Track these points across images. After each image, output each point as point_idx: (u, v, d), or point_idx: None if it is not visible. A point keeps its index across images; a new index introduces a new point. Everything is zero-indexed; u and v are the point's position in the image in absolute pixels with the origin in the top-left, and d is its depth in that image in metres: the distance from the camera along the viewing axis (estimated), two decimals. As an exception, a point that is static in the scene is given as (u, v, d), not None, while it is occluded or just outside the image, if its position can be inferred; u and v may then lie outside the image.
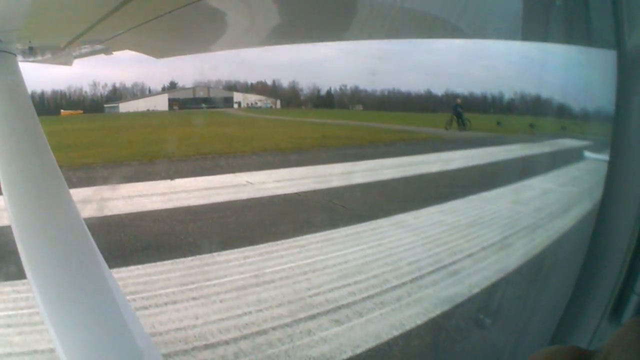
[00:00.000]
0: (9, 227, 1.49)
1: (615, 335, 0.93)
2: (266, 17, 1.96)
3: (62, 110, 60.49)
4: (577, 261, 2.20)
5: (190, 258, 7.64)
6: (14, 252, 1.41)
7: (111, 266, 6.28)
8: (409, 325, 5.58)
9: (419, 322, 5.67)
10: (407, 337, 5.40)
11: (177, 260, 7.56)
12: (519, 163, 15.95)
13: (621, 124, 1.92)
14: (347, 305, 6.07)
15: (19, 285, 6.42)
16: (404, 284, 6.74)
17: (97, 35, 2.04)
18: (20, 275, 6.22)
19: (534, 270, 6.43)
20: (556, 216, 8.65)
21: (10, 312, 5.92)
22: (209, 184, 13.73)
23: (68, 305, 1.32)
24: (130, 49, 2.59)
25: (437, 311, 5.94)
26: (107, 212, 10.39)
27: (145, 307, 6.01)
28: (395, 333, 5.43)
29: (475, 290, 6.45)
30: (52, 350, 5.03)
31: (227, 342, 5.27)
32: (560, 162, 13.38)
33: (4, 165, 1.60)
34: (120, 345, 1.28)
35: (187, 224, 9.86)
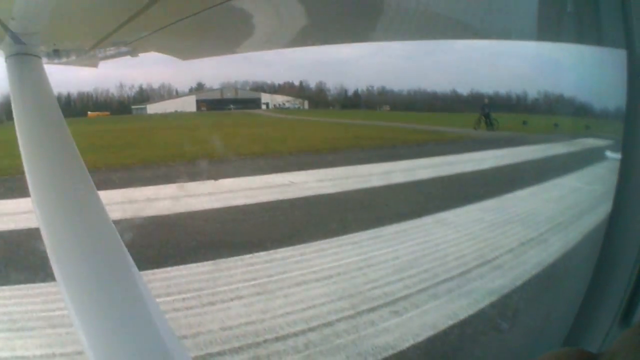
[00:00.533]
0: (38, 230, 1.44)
1: (622, 337, 0.96)
2: (292, 19, 1.94)
3: (89, 112, 61.62)
4: (590, 263, 2.15)
5: (248, 255, 7.84)
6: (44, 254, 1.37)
7: (168, 265, 7.00)
8: (462, 315, 5.75)
9: (470, 312, 5.86)
10: (460, 326, 5.56)
11: (236, 257, 7.77)
12: (546, 162, 16.22)
13: (633, 123, 1.85)
14: (404, 298, 6.26)
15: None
16: (452, 277, 6.92)
17: (122, 37, 2.04)
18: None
19: (553, 272, 7.01)
20: (576, 218, 9.27)
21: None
22: (253, 184, 13.95)
23: (96, 306, 1.28)
24: (155, 50, 2.57)
25: (486, 302, 6.12)
26: (157, 213, 10.68)
27: (213, 303, 6.24)
28: (450, 322, 5.61)
29: (516, 284, 6.68)
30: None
31: (295, 334, 5.45)
32: (584, 162, 13.93)
33: (32, 167, 1.58)
34: (148, 347, 1.25)
35: (239, 223, 10.08)
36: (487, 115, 28.04)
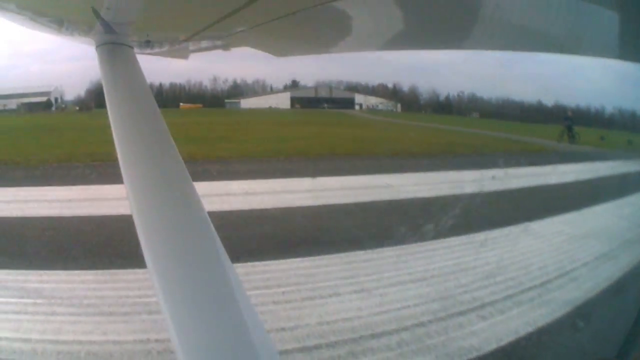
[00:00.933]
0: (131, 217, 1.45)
1: None
2: (389, 22, 1.92)
3: (180, 104, 63.16)
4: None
5: (345, 254, 8.02)
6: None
7: (269, 259, 7.38)
8: (541, 323, 5.91)
9: (548, 320, 6.00)
10: (538, 333, 5.70)
11: (335, 255, 7.98)
12: (623, 179, 16.45)
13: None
14: (490, 304, 6.42)
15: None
16: (534, 286, 7.04)
17: (217, 31, 2.02)
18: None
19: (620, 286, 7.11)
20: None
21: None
22: (349, 184, 14.16)
23: (187, 296, 1.28)
24: (249, 46, 2.55)
25: (562, 312, 6.24)
26: (256, 206, 11.05)
27: (311, 298, 6.49)
28: (529, 329, 5.74)
29: (589, 296, 6.80)
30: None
31: (389, 333, 5.59)
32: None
33: (126, 157, 1.59)
34: (235, 339, 1.23)
35: (338, 221, 10.34)
36: (569, 128, 27.92)
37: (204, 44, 2.44)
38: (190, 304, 1.27)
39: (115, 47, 1.92)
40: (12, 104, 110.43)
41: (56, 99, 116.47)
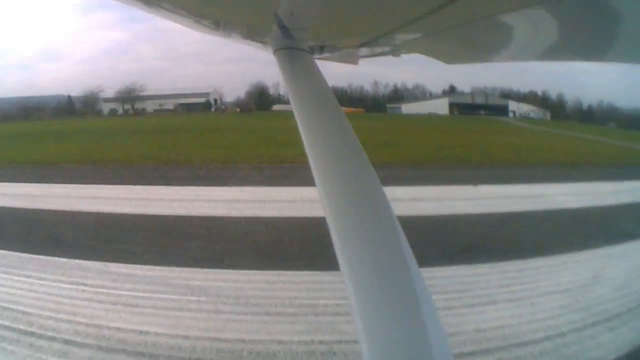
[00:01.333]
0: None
1: None
2: (548, 35, 1.80)
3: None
4: None
5: (502, 263, 8.29)
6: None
7: (429, 265, 7.57)
8: None
9: None
10: None
11: (492, 264, 8.26)
12: None
13: None
14: (620, 315, 6.45)
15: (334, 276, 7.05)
16: None
17: (393, 38, 1.99)
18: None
19: None
20: None
21: (339, 301, 6.55)
22: (507, 193, 14.60)
23: (376, 298, 1.29)
24: (420, 52, 2.50)
25: None
26: (420, 213, 11.45)
27: (471, 305, 6.71)
28: None
29: None
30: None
31: (534, 342, 5.79)
32: None
33: (318, 161, 1.62)
34: (416, 341, 1.23)
35: (497, 230, 10.65)
36: None
37: (377, 49, 2.40)
38: (379, 305, 1.27)
39: (293, 51, 1.95)
40: (170, 104, 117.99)
41: (215, 100, 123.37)
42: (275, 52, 1.97)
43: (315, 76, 1.91)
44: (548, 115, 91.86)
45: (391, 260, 1.36)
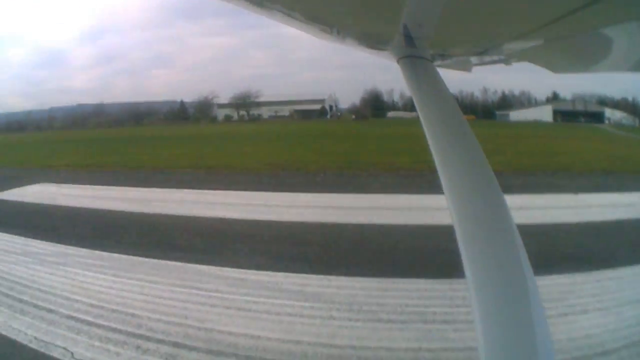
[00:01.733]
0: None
1: None
2: None
3: None
4: None
5: (595, 272, 8.10)
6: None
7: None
8: None
9: None
10: None
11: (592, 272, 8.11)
12: None
13: None
14: None
15: (456, 284, 7.13)
16: None
17: (509, 46, 2.02)
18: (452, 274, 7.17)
19: None
20: None
21: (448, 309, 6.58)
22: (602, 201, 14.39)
23: (498, 306, 1.36)
24: (529, 60, 2.51)
25: None
26: (524, 221, 10.79)
27: (565, 314, 6.54)
28: None
29: None
30: (444, 349, 5.66)
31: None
32: None
33: (446, 170, 1.67)
34: (526, 348, 1.28)
35: (594, 238, 10.39)
36: None
37: (489, 58, 2.45)
38: (499, 311, 1.34)
39: (416, 60, 1.98)
40: (285, 111, 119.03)
41: (330, 107, 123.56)
42: (399, 60, 2.00)
43: (439, 84, 1.94)
44: (637, 122, 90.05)
45: (511, 271, 1.42)
